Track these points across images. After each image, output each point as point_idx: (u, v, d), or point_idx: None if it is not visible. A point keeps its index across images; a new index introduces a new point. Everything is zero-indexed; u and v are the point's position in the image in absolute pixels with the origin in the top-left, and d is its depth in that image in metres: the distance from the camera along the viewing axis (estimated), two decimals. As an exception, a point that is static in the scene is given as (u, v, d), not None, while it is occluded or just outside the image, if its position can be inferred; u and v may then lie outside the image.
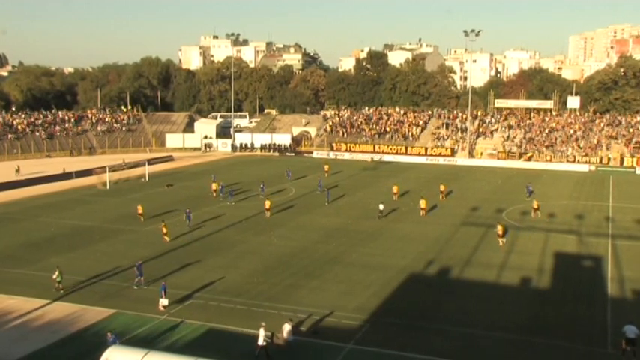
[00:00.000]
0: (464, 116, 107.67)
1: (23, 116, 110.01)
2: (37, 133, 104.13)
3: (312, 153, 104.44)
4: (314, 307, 31.80)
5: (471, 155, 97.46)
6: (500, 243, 44.89)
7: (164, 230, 45.83)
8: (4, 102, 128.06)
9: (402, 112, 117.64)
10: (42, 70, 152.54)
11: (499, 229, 45.80)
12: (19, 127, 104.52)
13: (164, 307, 31.36)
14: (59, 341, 27.45)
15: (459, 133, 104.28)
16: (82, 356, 24.47)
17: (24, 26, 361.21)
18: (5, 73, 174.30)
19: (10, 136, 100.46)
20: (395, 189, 63.05)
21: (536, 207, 55.02)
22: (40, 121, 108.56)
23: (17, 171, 78.44)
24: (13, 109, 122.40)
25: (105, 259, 40.64)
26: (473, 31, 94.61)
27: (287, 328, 27.35)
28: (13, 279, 36.17)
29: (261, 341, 26.12)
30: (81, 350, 25.54)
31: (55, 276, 34.31)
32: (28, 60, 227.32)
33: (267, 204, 54.29)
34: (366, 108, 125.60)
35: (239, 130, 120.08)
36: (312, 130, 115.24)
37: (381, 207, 54.71)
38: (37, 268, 37.03)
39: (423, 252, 43.11)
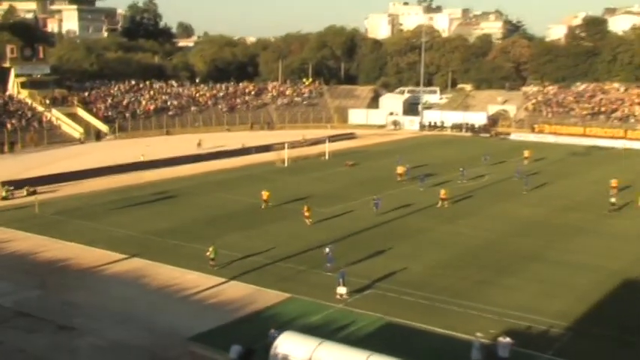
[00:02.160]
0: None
1: (206, 88, 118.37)
2: (219, 106, 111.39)
3: (509, 134, 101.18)
4: (507, 309, 30.88)
5: None
6: None
7: (306, 213, 46.74)
8: (188, 73, 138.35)
9: (622, 89, 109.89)
10: (225, 41, 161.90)
11: None
12: (202, 99, 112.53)
13: (341, 295, 32.19)
14: (235, 321, 29.20)
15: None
16: (256, 338, 25.84)
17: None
18: (191, 44, 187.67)
19: (193, 108, 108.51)
20: (614, 182, 58.01)
21: None
22: (221, 94, 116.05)
23: (199, 144, 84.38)
24: (197, 80, 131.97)
25: (281, 240, 42.58)
26: None
27: (504, 341, 26.32)
28: (191, 254, 39.15)
29: (477, 356, 25.30)
30: (254, 332, 26.98)
31: (208, 253, 36.73)
32: (213, 30, 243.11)
33: (443, 192, 53.33)
34: (578, 84, 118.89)
35: (428, 106, 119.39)
36: (511, 109, 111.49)
37: (613, 199, 51.83)
38: (219, 245, 39.62)
39: (642, 254, 40.22)
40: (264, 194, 52.41)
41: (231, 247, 40.31)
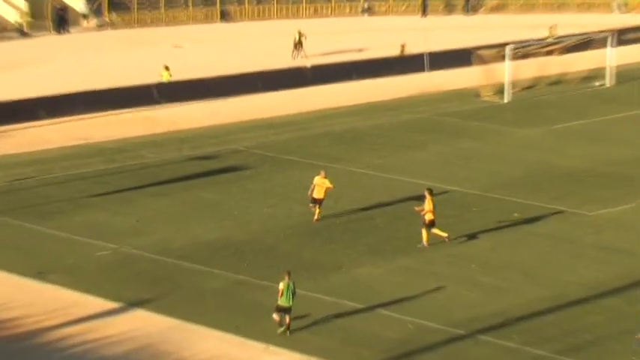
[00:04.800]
0: None
1: None
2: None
3: None
4: None
5: None
6: None
7: (428, 215, 44.94)
8: None
9: None
10: None
11: None
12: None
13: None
14: None
15: None
16: None
17: None
18: None
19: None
20: None
21: None
22: None
23: (297, 46, 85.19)
24: None
25: (482, 280, 41.97)
26: None
27: None
28: (271, 304, 38.28)
29: None
30: None
31: (279, 293, 35.33)
32: None
33: None
34: None
35: None
36: None
37: None
38: (326, 287, 39.52)
39: None
40: (321, 184, 48.95)
41: (359, 288, 40.14)
